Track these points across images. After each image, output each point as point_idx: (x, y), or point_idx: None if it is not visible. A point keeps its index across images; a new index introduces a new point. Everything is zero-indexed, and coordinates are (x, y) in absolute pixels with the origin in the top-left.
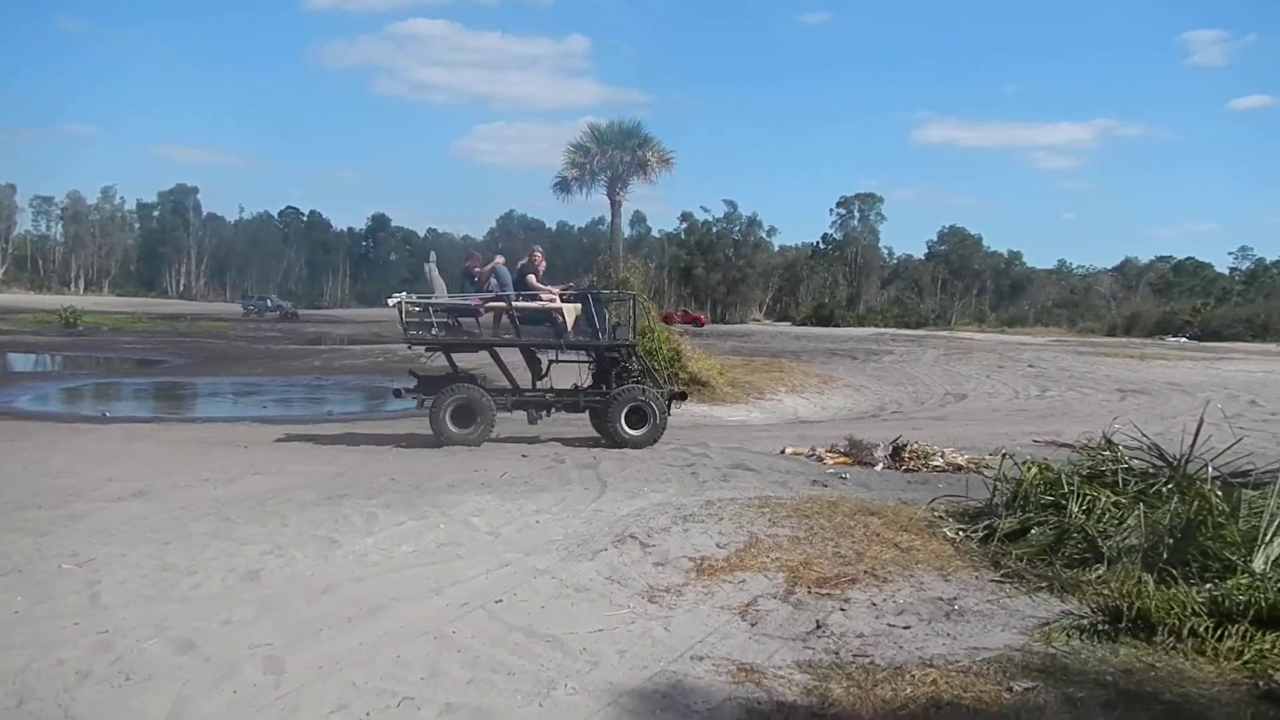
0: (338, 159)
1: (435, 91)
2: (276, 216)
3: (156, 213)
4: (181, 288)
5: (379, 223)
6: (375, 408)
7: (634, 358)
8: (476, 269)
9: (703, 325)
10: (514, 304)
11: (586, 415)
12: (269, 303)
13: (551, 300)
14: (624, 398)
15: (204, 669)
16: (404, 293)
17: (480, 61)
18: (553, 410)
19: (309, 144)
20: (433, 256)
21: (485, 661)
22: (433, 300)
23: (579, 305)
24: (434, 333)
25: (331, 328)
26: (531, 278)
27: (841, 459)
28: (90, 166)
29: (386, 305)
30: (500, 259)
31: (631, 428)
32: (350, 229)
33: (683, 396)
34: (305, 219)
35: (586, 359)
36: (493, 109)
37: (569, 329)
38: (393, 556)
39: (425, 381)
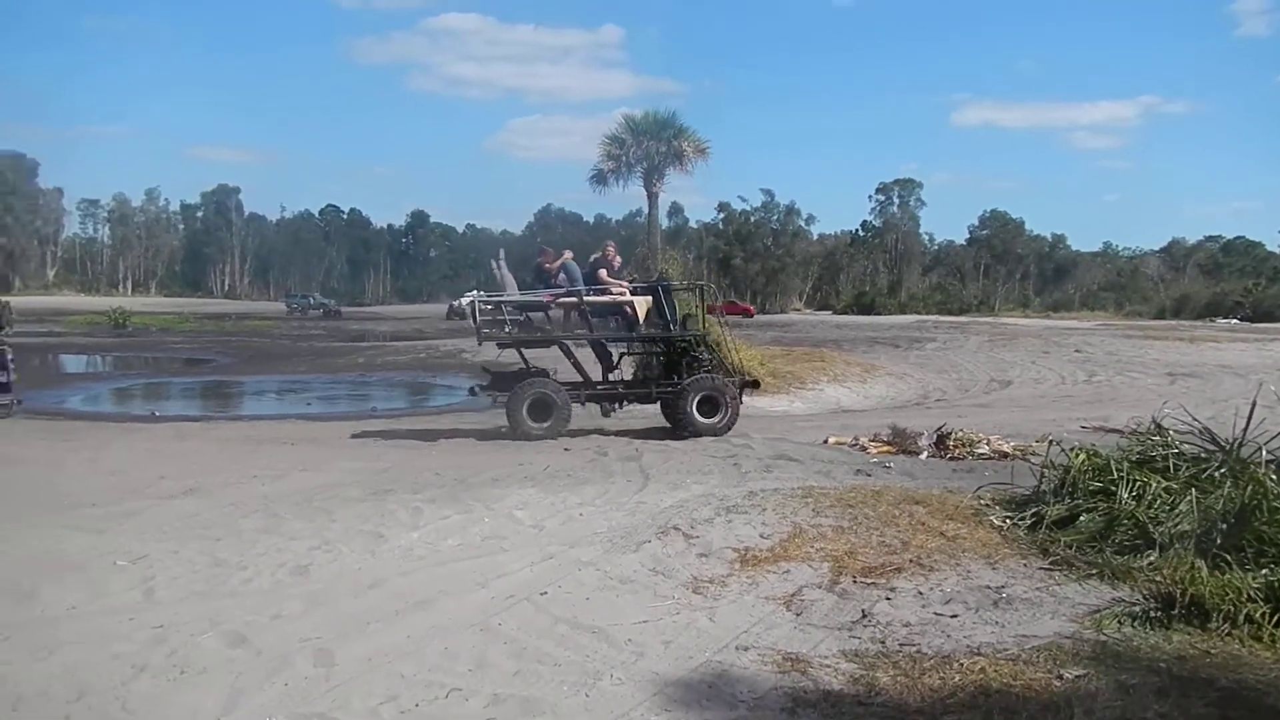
0: (375, 156)
1: (469, 86)
2: (317, 215)
3: (200, 213)
4: (226, 287)
5: (418, 219)
6: (419, 404)
7: (704, 347)
8: (548, 265)
9: (752, 315)
10: (585, 299)
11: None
12: (312, 301)
13: (622, 294)
14: (696, 387)
15: (256, 662)
16: (475, 290)
17: (513, 55)
18: (625, 403)
19: (346, 142)
20: (501, 254)
21: (531, 653)
22: (506, 298)
23: (650, 298)
24: (507, 330)
25: (374, 325)
26: (603, 272)
27: (885, 448)
28: (134, 169)
29: (437, 302)
30: (569, 254)
31: (704, 416)
32: (390, 226)
33: (755, 384)
34: (345, 217)
35: (657, 350)
36: (527, 102)
37: (641, 321)
38: (438, 550)
39: (498, 378)
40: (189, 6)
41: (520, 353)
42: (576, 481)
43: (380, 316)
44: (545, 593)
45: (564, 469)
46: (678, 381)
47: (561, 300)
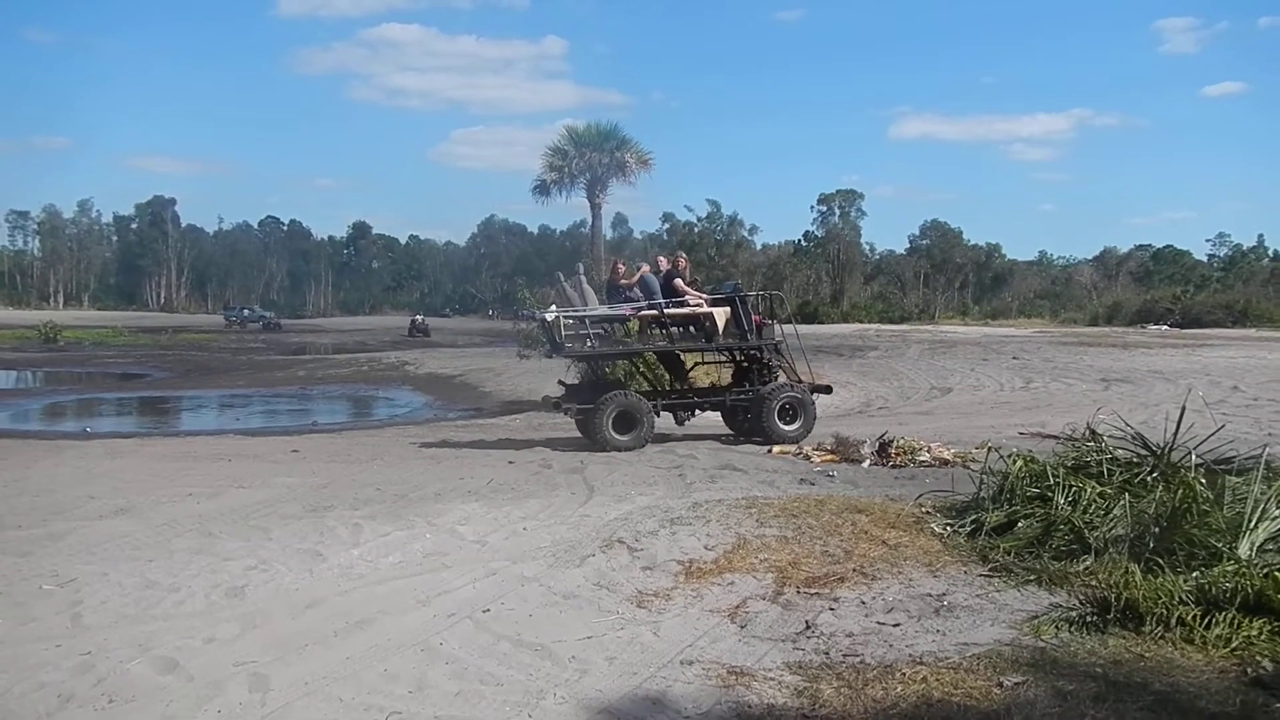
0: (316, 167)
1: (411, 97)
2: (256, 226)
3: (134, 225)
4: (162, 300)
5: (360, 230)
6: (361, 417)
7: (776, 354)
8: (622, 280)
9: None
10: (666, 311)
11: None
12: (251, 313)
13: (700, 305)
14: (777, 394)
15: (188, 689)
16: (553, 306)
17: (455, 66)
18: (697, 411)
19: (286, 152)
20: (580, 269)
21: (473, 672)
22: (589, 312)
23: (728, 308)
24: (589, 344)
25: (315, 337)
26: (679, 282)
27: (828, 457)
28: (65, 180)
29: (380, 314)
30: (646, 267)
31: (785, 424)
32: (331, 237)
33: (827, 390)
34: (285, 228)
35: (728, 359)
36: (470, 113)
37: (719, 332)
38: (379, 568)
39: (573, 390)
40: (127, 16)
41: (597, 366)
42: (520, 495)
43: (322, 329)
44: (488, 610)
45: (508, 482)
46: (750, 389)
47: (643, 314)
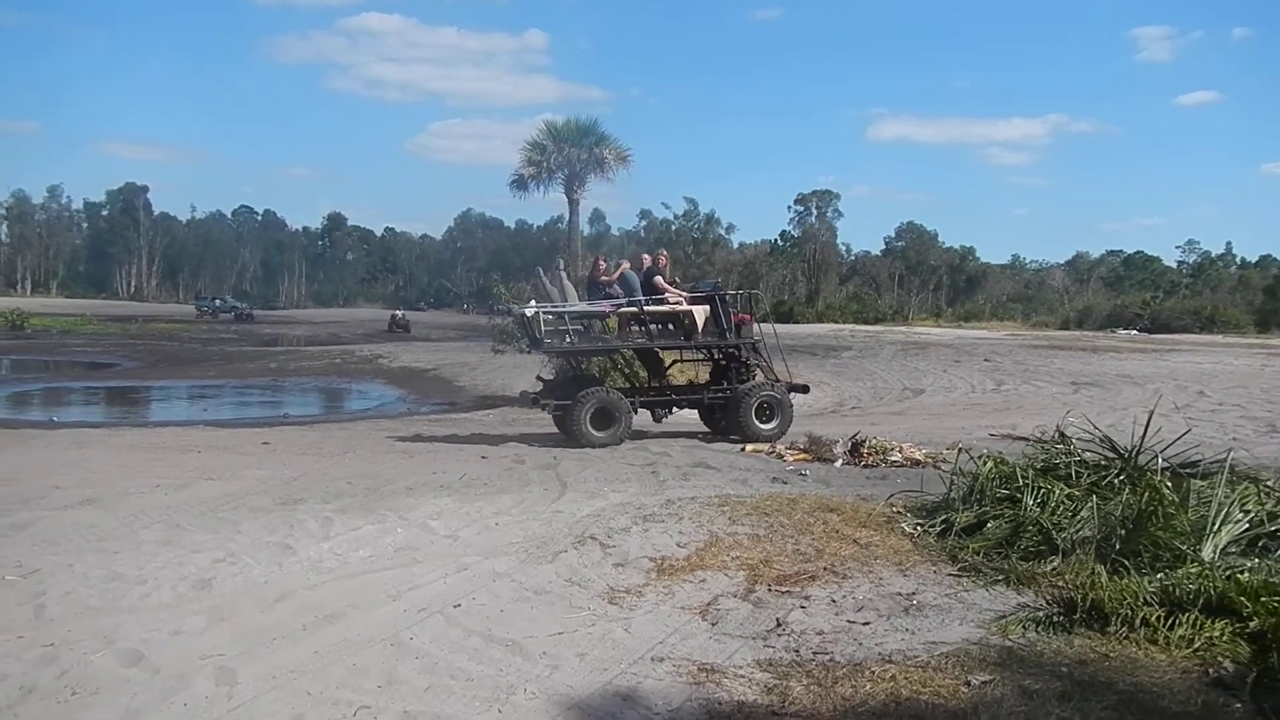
0: (292, 157)
1: (389, 88)
2: (230, 216)
3: (105, 212)
4: (133, 289)
5: (335, 222)
6: (333, 409)
7: (754, 353)
8: (603, 277)
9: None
10: (646, 309)
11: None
12: (223, 303)
13: (680, 303)
14: (755, 393)
15: (153, 681)
16: (532, 302)
17: (435, 57)
18: (675, 408)
19: (262, 141)
20: (561, 264)
21: (443, 668)
22: (569, 308)
23: (707, 306)
24: (568, 340)
25: (287, 329)
26: (659, 280)
27: (801, 456)
28: (35, 165)
29: (354, 306)
30: (627, 263)
31: (762, 422)
32: (306, 228)
33: (804, 389)
34: (259, 218)
35: (706, 357)
36: (449, 106)
37: (699, 330)
38: (349, 562)
39: (551, 386)
40: (100, 1)
41: (577, 363)
42: (493, 490)
43: (294, 320)
44: (459, 605)
45: (480, 478)
46: (728, 387)
47: (623, 310)
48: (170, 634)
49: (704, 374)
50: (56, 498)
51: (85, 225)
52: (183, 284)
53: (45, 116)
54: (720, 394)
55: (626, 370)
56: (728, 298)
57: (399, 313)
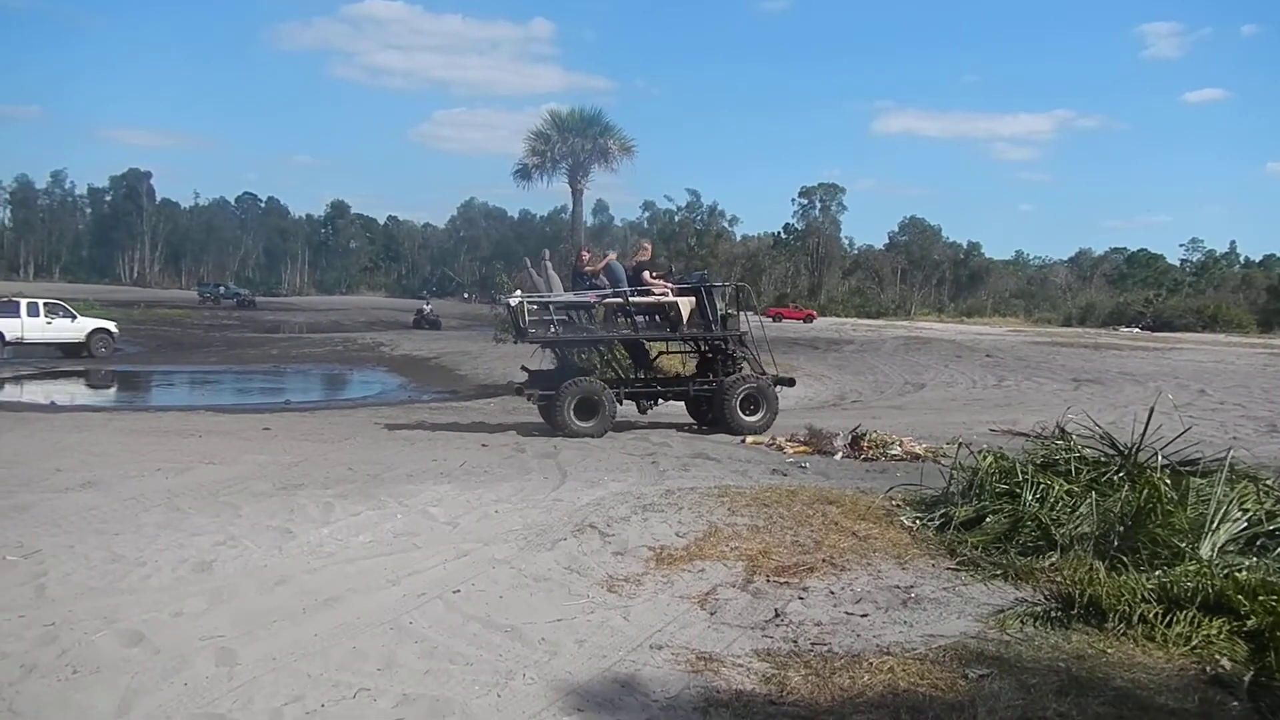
0: (295, 144)
1: (394, 76)
2: (233, 202)
3: (109, 198)
4: (135, 274)
5: (338, 209)
6: (334, 396)
7: (740, 345)
8: (588, 267)
9: (813, 320)
10: (631, 300)
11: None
12: (225, 290)
13: (666, 294)
14: (740, 385)
15: (154, 661)
16: (518, 291)
17: (440, 45)
18: (660, 400)
19: (265, 128)
20: (546, 254)
21: (443, 652)
22: (554, 298)
23: (693, 298)
24: (552, 330)
25: (289, 316)
26: (647, 273)
27: (801, 448)
28: (39, 150)
29: (356, 294)
30: (612, 255)
31: (747, 415)
32: (309, 215)
33: (790, 382)
34: (263, 205)
35: (692, 349)
36: (453, 94)
37: (684, 322)
38: (349, 547)
39: (537, 376)
40: None
41: (562, 352)
42: (493, 478)
43: (296, 307)
44: (458, 590)
45: (480, 465)
46: (714, 379)
47: (608, 301)
48: (171, 615)
49: (692, 366)
50: (58, 480)
51: (89, 210)
52: (185, 270)
53: (49, 102)
54: (706, 386)
55: (613, 361)
56: (714, 289)
57: (426, 306)
